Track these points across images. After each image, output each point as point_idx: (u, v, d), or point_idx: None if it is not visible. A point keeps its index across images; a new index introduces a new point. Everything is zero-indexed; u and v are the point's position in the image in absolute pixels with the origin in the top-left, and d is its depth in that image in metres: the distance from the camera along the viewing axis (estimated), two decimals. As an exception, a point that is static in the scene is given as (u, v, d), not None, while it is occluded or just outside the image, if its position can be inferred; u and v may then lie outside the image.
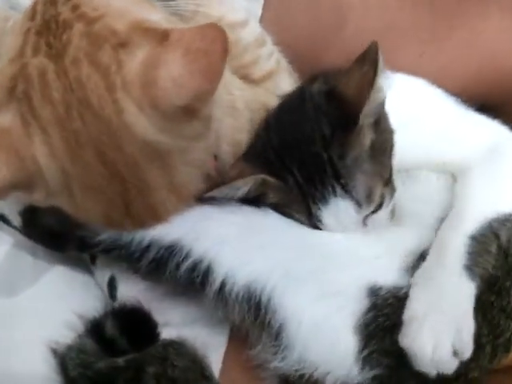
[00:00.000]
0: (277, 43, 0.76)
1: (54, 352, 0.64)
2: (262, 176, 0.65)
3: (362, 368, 0.60)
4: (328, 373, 0.61)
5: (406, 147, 0.71)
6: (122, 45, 0.54)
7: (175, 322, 0.68)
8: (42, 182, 0.56)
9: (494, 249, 0.63)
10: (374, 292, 0.62)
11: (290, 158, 0.66)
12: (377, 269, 0.64)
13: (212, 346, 0.66)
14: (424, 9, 0.75)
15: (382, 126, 0.67)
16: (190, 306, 0.68)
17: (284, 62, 0.77)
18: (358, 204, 0.64)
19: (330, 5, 0.75)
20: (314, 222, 0.66)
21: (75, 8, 0.56)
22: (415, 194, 0.70)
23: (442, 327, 0.58)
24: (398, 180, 0.71)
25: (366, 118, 0.64)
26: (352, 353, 0.60)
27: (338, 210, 0.65)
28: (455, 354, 0.58)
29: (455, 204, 0.67)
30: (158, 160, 0.58)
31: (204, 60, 0.52)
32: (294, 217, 0.67)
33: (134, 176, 0.58)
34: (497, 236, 0.63)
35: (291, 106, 0.70)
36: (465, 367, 0.60)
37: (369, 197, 0.65)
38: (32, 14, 0.58)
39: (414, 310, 0.60)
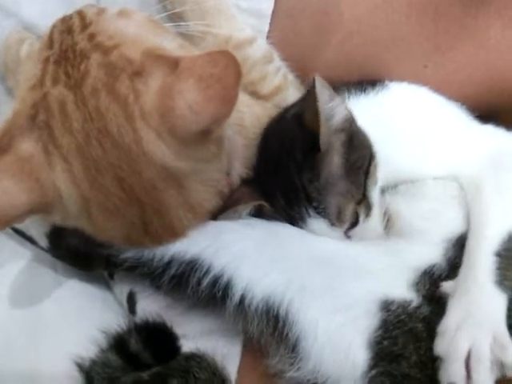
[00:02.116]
0: (284, 58, 0.78)
1: (80, 366, 0.66)
2: (258, 202, 0.70)
3: None
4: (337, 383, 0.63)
5: (410, 156, 0.73)
6: (137, 73, 0.56)
7: (192, 334, 0.70)
8: (61, 206, 0.59)
9: None
10: (385, 307, 0.64)
11: (273, 181, 0.70)
12: (386, 282, 0.66)
13: (228, 357, 0.68)
14: (428, 20, 0.75)
15: (354, 143, 0.70)
16: (205, 318, 0.70)
17: (291, 77, 0.79)
18: (331, 223, 0.68)
19: (337, 18, 0.76)
20: None
21: (91, 37, 0.58)
22: (422, 210, 0.72)
23: (479, 335, 0.61)
24: (404, 195, 0.74)
25: (327, 143, 0.67)
26: (360, 368, 0.62)
27: (315, 228, 0.69)
28: (495, 363, 0.60)
29: (473, 220, 0.69)
30: (174, 182, 0.60)
31: (218, 86, 0.54)
32: None
33: (151, 198, 0.60)
34: None
35: (273, 128, 0.74)
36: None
37: (339, 216, 0.68)
38: (49, 42, 0.60)
39: (450, 319, 0.62)
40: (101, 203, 0.59)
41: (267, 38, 0.77)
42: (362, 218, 0.69)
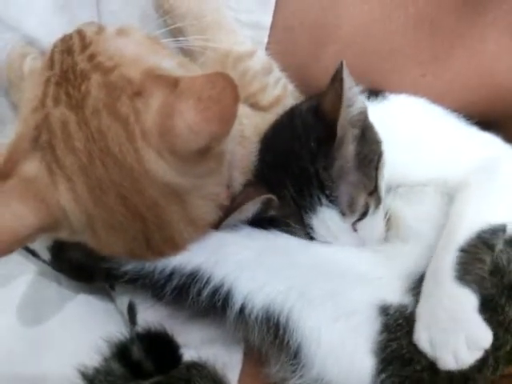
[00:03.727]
0: (283, 69, 0.78)
1: (83, 375, 0.68)
2: (267, 196, 0.70)
3: None
4: None
5: (407, 165, 0.75)
6: (137, 93, 0.57)
7: (194, 343, 0.71)
8: (67, 223, 0.60)
9: (486, 257, 0.65)
10: (384, 311, 0.66)
11: (283, 172, 0.71)
12: (383, 288, 0.68)
13: (229, 365, 0.70)
14: (424, 31, 0.76)
15: (367, 137, 0.71)
16: (206, 327, 0.72)
17: (291, 87, 0.79)
18: (342, 212, 0.69)
19: (335, 30, 0.77)
20: (308, 231, 0.71)
21: (91, 58, 0.59)
22: (421, 213, 0.73)
23: (453, 344, 0.62)
24: (403, 197, 0.75)
25: (344, 129, 0.68)
26: (369, 374, 0.64)
27: (325, 218, 0.69)
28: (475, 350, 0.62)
29: (449, 220, 0.69)
30: (175, 199, 0.61)
31: (216, 108, 0.55)
32: (292, 227, 0.71)
33: (153, 214, 0.61)
34: (489, 246, 0.66)
35: (283, 123, 0.75)
36: (471, 378, 0.64)
37: (351, 206, 0.69)
38: (50, 63, 0.61)
39: (419, 327, 0.64)
40: (104, 220, 0.60)
41: (266, 49, 0.78)
42: (371, 210, 0.70)
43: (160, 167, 0.58)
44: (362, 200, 0.69)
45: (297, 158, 0.70)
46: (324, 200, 0.68)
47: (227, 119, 0.56)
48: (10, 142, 0.58)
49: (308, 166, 0.69)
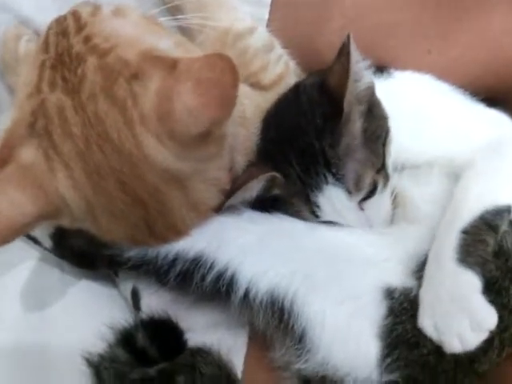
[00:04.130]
0: (284, 46, 0.76)
1: (88, 361, 0.68)
2: (272, 174, 0.68)
3: (383, 372, 0.63)
4: (348, 374, 0.64)
5: (413, 143, 0.73)
6: (135, 76, 0.55)
7: (198, 327, 0.71)
8: (67, 210, 0.59)
9: (489, 239, 0.64)
10: (389, 294, 0.65)
11: (288, 150, 0.69)
12: (388, 271, 0.67)
13: (233, 348, 0.70)
14: (431, 6, 0.74)
15: (374, 113, 0.69)
16: (210, 312, 0.71)
17: (292, 64, 0.77)
18: (348, 191, 0.68)
19: (338, 5, 0.75)
20: (313, 210, 0.69)
21: (87, 40, 0.57)
22: (428, 195, 0.72)
23: (457, 327, 0.61)
24: (409, 177, 0.73)
25: (351, 105, 0.66)
26: (374, 358, 0.63)
27: (331, 196, 0.68)
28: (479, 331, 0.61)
29: (453, 200, 0.68)
30: (176, 184, 0.60)
31: (216, 90, 0.53)
32: (296, 208, 0.70)
33: (154, 200, 0.60)
34: (492, 227, 0.64)
35: (287, 100, 0.73)
36: (476, 361, 0.64)
37: (357, 184, 0.68)
38: (45, 46, 0.59)
39: (424, 311, 0.63)
40: (104, 207, 0.59)
41: (267, 26, 0.76)
42: (379, 187, 0.69)
43: (159, 152, 0.56)
44: (368, 178, 0.68)
45: (302, 135, 0.68)
46: (330, 178, 0.67)
47: (227, 102, 0.54)
48: (6, 129, 0.57)
49: (314, 143, 0.67)
